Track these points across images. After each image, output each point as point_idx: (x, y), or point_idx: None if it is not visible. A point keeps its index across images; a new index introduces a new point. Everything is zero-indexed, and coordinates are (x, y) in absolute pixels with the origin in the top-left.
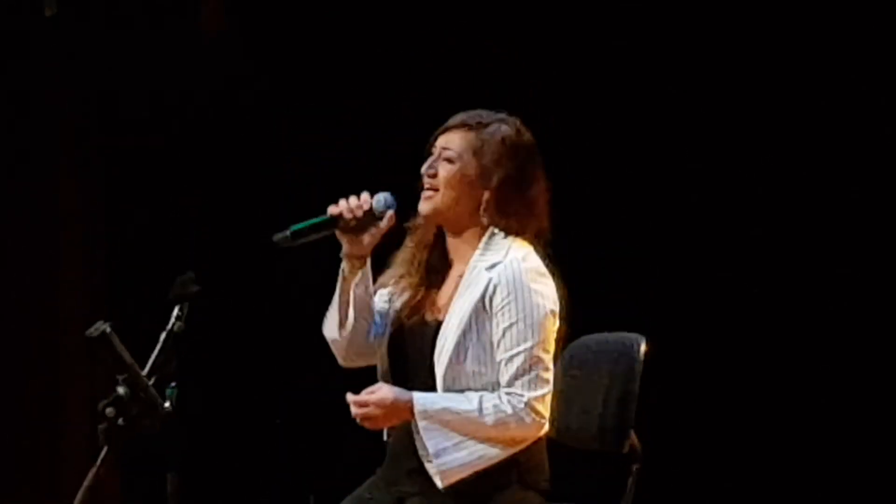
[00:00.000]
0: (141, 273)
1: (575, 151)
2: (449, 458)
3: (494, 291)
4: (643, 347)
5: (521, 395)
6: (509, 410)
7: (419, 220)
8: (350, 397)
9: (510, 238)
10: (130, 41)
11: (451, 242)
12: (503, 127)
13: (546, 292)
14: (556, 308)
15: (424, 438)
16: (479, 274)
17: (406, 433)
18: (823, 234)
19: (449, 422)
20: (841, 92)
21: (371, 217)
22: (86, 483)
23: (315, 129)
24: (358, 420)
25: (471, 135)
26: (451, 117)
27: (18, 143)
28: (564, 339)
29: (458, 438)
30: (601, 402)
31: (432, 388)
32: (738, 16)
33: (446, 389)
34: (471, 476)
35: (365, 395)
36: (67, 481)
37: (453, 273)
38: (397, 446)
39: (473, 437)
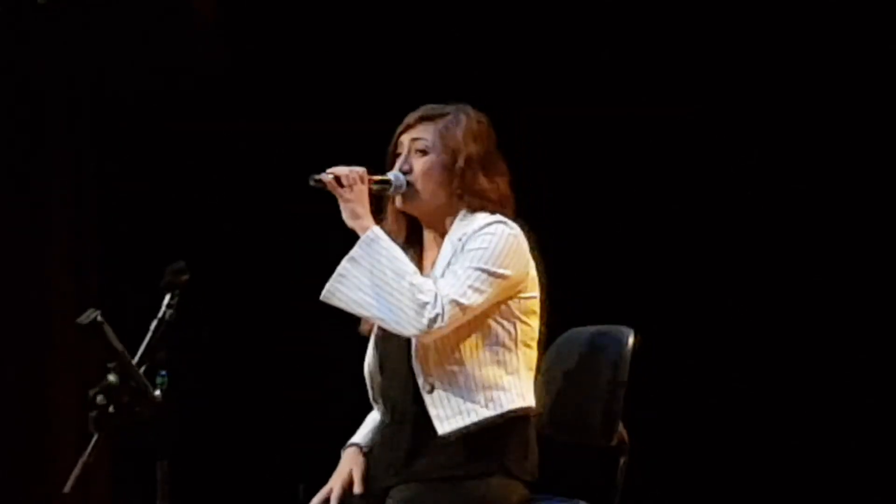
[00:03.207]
0: (132, 261)
1: (564, 144)
2: (342, 286)
3: (464, 240)
4: (631, 340)
5: (450, 293)
6: (435, 289)
7: (389, 225)
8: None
9: (485, 214)
10: (123, 29)
11: (428, 234)
12: (462, 114)
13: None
14: (520, 268)
15: (350, 256)
16: (452, 246)
17: (393, 426)
18: (811, 228)
19: (379, 262)
20: (826, 91)
21: (385, 192)
22: (76, 470)
23: (307, 118)
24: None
25: (437, 124)
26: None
27: (8, 130)
28: (552, 332)
29: (366, 282)
30: (589, 395)
31: (409, 361)
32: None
33: (420, 354)
34: (454, 464)
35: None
36: (58, 469)
37: (429, 259)
38: (384, 439)
39: (378, 289)
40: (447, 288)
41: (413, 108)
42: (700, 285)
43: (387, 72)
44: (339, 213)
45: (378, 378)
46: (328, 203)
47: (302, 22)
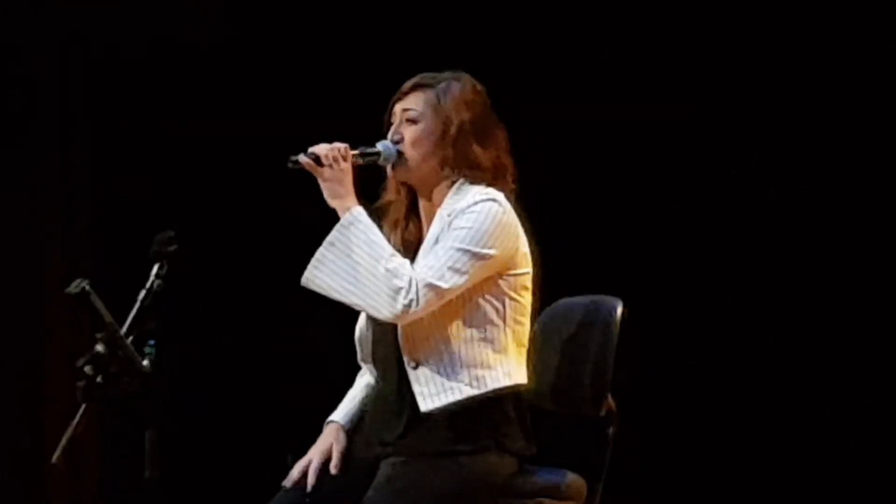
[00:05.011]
0: (122, 231)
1: (564, 144)
2: (319, 272)
3: (453, 216)
4: (620, 310)
5: (426, 276)
6: (411, 273)
7: (390, 196)
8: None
9: (480, 186)
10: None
11: (424, 205)
12: (455, 82)
13: (502, 225)
14: (507, 246)
15: (328, 240)
16: (442, 220)
17: (384, 398)
18: (811, 228)
19: (357, 246)
20: (826, 92)
21: (376, 163)
22: (64, 440)
23: (299, 92)
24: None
25: (428, 93)
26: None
27: None
28: (541, 302)
29: (343, 267)
30: (578, 366)
31: (395, 334)
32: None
33: (406, 331)
34: (448, 439)
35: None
36: (46, 438)
37: (427, 230)
38: (376, 410)
39: (355, 274)
40: (424, 270)
41: (400, 78)
42: (688, 253)
43: (387, 71)
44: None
45: (369, 343)
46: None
47: (302, 21)
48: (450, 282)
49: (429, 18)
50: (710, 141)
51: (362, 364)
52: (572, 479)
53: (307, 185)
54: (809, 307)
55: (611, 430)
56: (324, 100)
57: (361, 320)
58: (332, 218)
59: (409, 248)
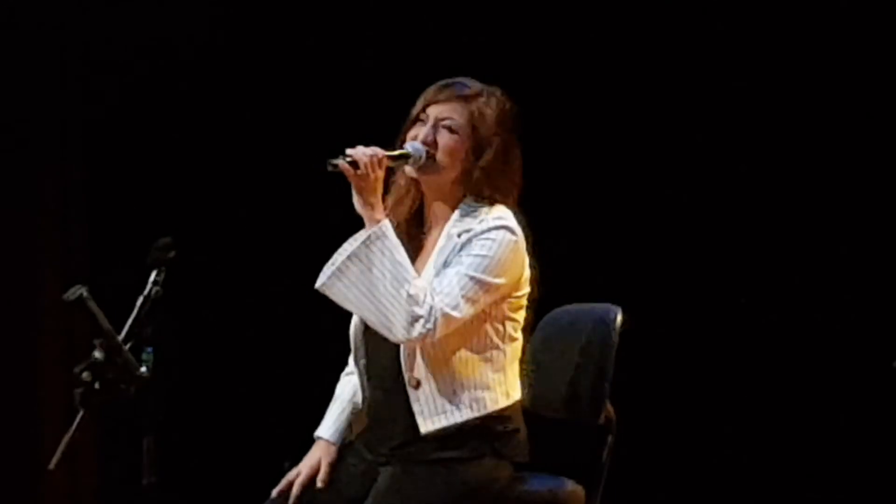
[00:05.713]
0: (120, 237)
1: (553, 120)
2: (339, 282)
3: (462, 241)
4: (619, 318)
5: (444, 305)
6: (431, 302)
7: (401, 191)
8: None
9: (487, 206)
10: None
11: (431, 207)
12: (493, 99)
13: (511, 248)
14: (515, 275)
15: (353, 252)
16: (451, 240)
17: (383, 404)
18: (798, 211)
19: (380, 262)
20: (826, 91)
21: (403, 165)
22: (61, 447)
23: (295, 88)
24: (349, 154)
25: (470, 106)
26: (432, 85)
27: None
28: (541, 310)
29: (364, 281)
30: (577, 373)
31: (396, 350)
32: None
33: (409, 351)
34: (444, 448)
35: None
36: (44, 445)
37: (430, 239)
38: (375, 417)
39: (375, 291)
40: (441, 298)
41: (411, 105)
42: (687, 261)
43: (385, 70)
44: (327, 201)
45: (362, 346)
46: (314, 194)
47: (299, 23)
48: (464, 311)
49: (426, 19)
50: (710, 143)
51: (354, 365)
52: (571, 486)
53: (306, 189)
54: (810, 314)
55: (610, 438)
56: (322, 103)
57: (356, 320)
58: (330, 223)
59: (413, 241)
